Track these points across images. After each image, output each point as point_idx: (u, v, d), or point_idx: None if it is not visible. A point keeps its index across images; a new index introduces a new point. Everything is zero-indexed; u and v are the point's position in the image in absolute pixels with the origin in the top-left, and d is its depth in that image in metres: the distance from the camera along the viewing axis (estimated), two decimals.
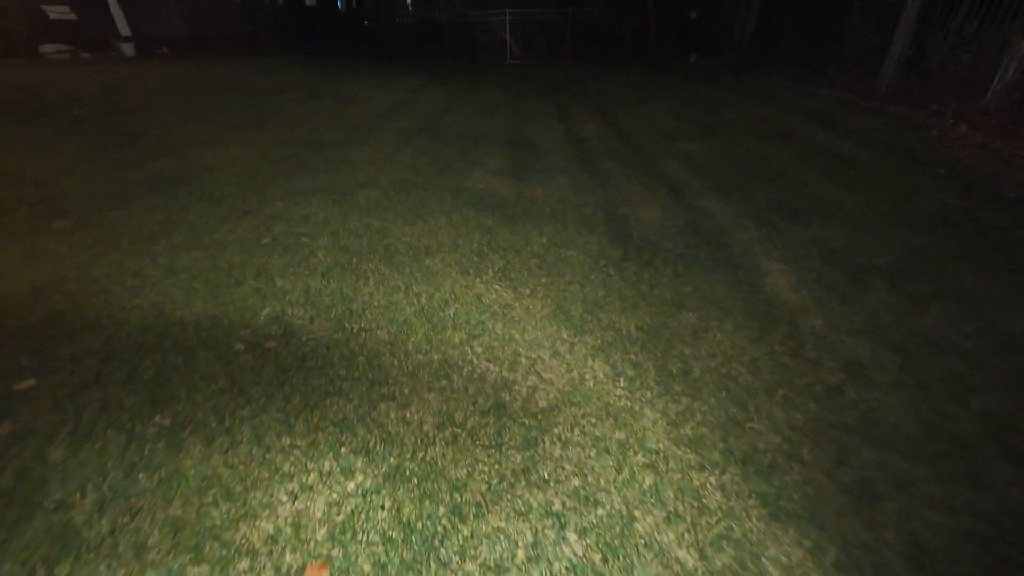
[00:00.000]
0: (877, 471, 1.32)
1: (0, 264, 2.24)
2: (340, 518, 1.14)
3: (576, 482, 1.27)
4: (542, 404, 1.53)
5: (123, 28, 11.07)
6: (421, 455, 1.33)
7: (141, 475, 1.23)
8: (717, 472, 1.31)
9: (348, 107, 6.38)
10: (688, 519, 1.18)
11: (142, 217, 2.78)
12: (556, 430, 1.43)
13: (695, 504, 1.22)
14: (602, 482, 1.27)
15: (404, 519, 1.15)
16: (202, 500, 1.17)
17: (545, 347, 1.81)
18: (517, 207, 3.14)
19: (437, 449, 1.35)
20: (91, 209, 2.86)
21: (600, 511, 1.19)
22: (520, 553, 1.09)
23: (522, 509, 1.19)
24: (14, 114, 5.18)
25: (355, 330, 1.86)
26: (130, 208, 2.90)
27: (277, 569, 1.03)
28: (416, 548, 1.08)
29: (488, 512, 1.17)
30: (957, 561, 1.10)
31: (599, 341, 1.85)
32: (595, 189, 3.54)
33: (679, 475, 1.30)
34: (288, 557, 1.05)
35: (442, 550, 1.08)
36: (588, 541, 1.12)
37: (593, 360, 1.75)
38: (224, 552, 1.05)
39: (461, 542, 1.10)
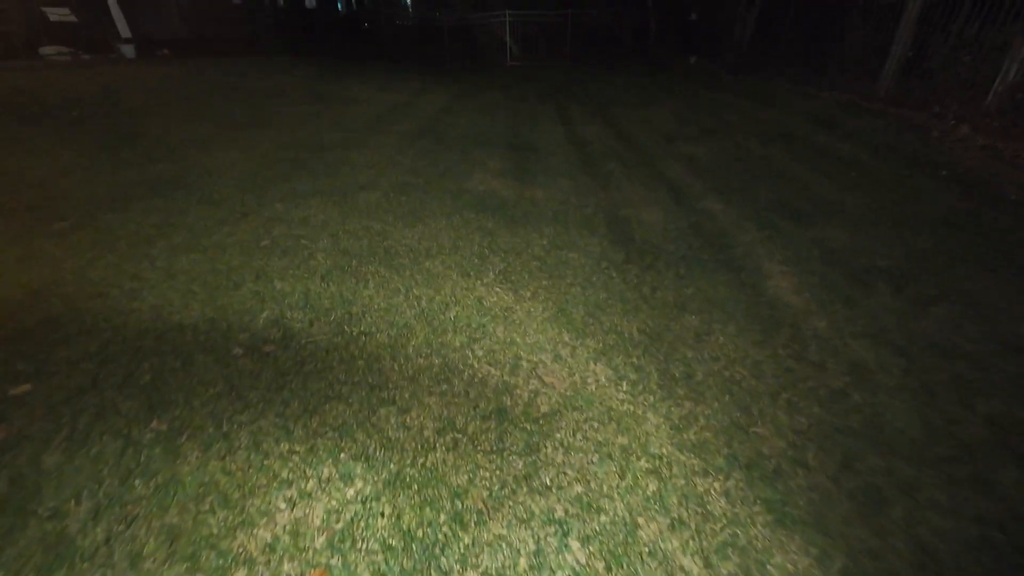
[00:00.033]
0: (883, 476, 1.30)
1: None
2: (339, 526, 1.13)
3: (579, 488, 1.25)
4: (544, 408, 1.52)
5: (123, 30, 11.08)
6: (422, 461, 1.31)
7: (137, 482, 1.21)
8: (721, 478, 1.29)
9: (348, 109, 6.37)
10: (692, 526, 1.16)
11: (140, 219, 2.77)
12: (558, 435, 1.42)
13: (699, 510, 1.20)
14: (605, 488, 1.25)
15: (404, 527, 1.13)
16: (199, 507, 1.15)
17: (547, 351, 1.80)
18: (518, 209, 3.13)
19: (438, 455, 1.33)
20: (89, 211, 2.85)
21: (603, 518, 1.17)
22: (522, 561, 1.07)
23: (524, 516, 1.17)
24: (14, 116, 5.17)
25: (355, 333, 1.85)
26: (129, 210, 2.88)
27: None
28: (416, 557, 1.07)
29: (490, 519, 1.16)
30: (965, 569, 1.08)
31: (601, 344, 1.84)
32: (596, 191, 3.53)
33: (683, 481, 1.28)
34: (286, 566, 1.04)
35: (443, 559, 1.07)
36: (591, 549, 1.10)
37: (595, 364, 1.73)
38: (221, 561, 1.04)
39: (462, 550, 1.09)
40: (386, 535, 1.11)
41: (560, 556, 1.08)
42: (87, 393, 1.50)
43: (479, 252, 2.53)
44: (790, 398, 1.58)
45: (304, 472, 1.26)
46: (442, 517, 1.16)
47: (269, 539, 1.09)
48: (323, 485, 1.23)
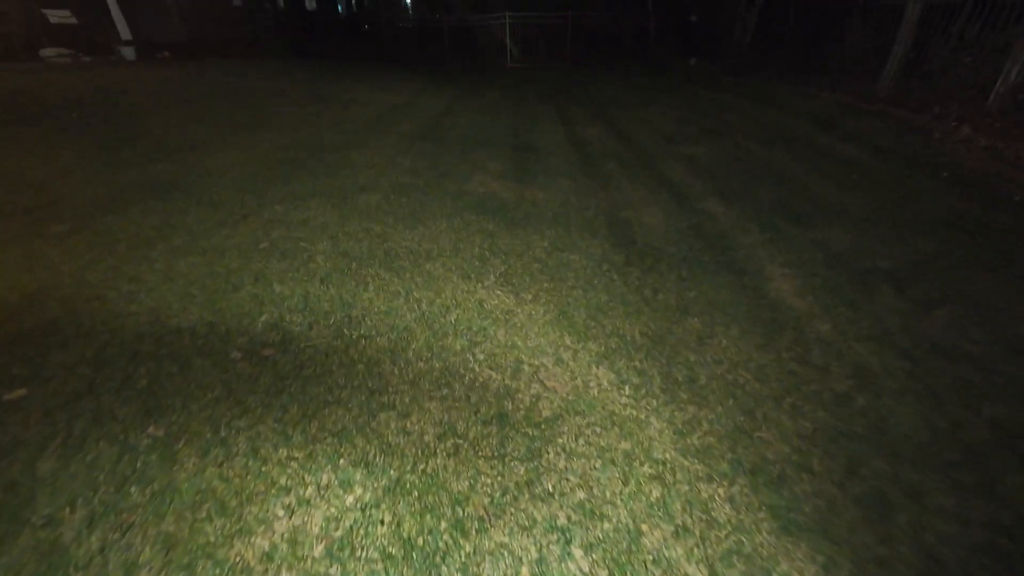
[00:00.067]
0: (889, 482, 1.29)
1: None
2: (338, 534, 1.11)
3: (581, 495, 1.23)
4: (546, 413, 1.50)
5: (124, 32, 11.07)
6: (422, 467, 1.29)
7: (133, 489, 1.19)
8: (726, 483, 1.27)
9: (348, 110, 6.36)
10: (697, 533, 1.14)
11: (139, 221, 2.75)
12: (560, 440, 1.40)
13: (704, 517, 1.18)
14: (608, 494, 1.24)
15: (404, 534, 1.11)
16: (195, 515, 1.13)
17: (548, 354, 1.78)
18: (519, 211, 3.11)
19: (438, 461, 1.31)
20: (88, 213, 2.83)
21: (606, 525, 1.16)
22: (524, 570, 1.05)
23: (526, 523, 1.15)
24: (14, 117, 5.16)
25: (354, 337, 1.83)
26: (127, 212, 2.87)
27: None
28: (417, 565, 1.05)
29: (491, 527, 1.14)
30: None
31: (603, 348, 1.82)
32: (597, 192, 3.51)
33: (687, 487, 1.26)
34: (284, 575, 1.02)
35: (444, 567, 1.05)
36: (594, 557, 1.08)
37: (597, 367, 1.72)
38: (217, 571, 1.02)
39: (463, 559, 1.07)
40: (386, 543, 1.09)
41: (563, 564, 1.07)
42: (83, 398, 1.48)
43: (480, 254, 2.52)
44: (794, 402, 1.56)
45: (303, 479, 1.24)
46: (443, 524, 1.14)
47: (267, 547, 1.07)
48: (322, 492, 1.21)
